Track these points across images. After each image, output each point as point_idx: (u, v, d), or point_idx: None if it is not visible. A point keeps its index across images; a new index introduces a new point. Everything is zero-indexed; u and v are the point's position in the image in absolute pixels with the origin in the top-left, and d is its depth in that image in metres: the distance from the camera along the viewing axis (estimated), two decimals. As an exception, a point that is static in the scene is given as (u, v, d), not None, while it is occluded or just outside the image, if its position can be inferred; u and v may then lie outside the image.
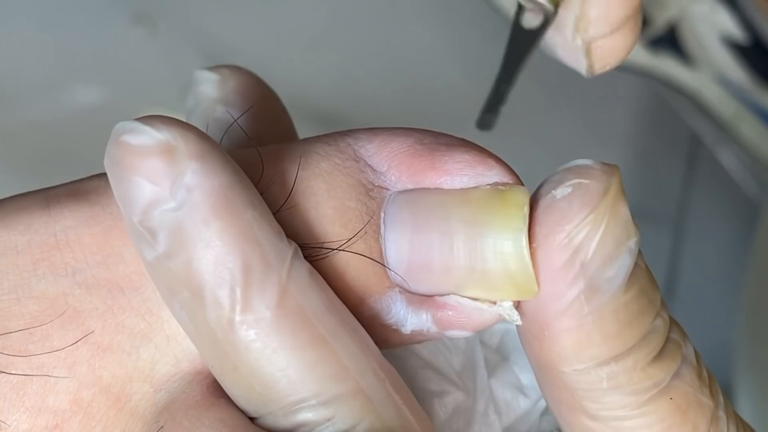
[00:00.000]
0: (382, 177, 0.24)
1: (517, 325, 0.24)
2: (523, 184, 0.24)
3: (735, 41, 0.61)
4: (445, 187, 0.24)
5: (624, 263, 0.23)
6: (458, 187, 0.24)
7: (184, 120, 0.22)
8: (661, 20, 0.62)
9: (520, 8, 0.21)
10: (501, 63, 0.22)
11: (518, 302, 0.24)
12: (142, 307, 0.23)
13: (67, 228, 0.23)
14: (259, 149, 0.25)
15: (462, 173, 0.24)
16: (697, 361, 0.25)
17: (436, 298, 0.24)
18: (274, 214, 0.23)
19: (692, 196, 0.68)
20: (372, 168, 0.24)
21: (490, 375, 0.28)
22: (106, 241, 0.23)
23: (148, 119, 0.21)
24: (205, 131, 0.29)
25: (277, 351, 0.21)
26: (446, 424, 0.27)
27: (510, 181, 0.24)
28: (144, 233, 0.21)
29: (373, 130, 0.25)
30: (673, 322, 0.25)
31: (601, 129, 0.70)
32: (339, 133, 0.25)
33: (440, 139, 0.25)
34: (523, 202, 0.23)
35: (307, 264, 0.22)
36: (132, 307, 0.23)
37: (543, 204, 0.23)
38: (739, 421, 0.25)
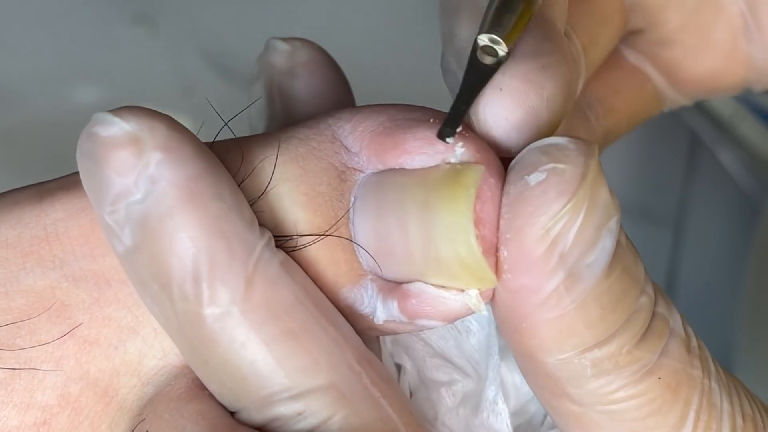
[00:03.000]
0: (355, 158, 0.24)
1: (495, 314, 0.23)
2: (497, 160, 0.23)
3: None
4: (407, 166, 0.23)
5: (605, 246, 0.22)
6: (418, 166, 0.23)
7: (178, 116, 0.22)
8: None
9: (476, 46, 0.22)
10: (458, 90, 0.22)
11: (492, 292, 0.23)
12: (129, 300, 0.23)
13: (57, 221, 0.23)
14: (245, 137, 0.24)
15: (421, 151, 0.23)
16: (685, 331, 0.24)
17: (403, 286, 0.23)
18: (253, 202, 0.23)
19: (692, 196, 0.67)
20: (346, 148, 0.24)
21: (500, 358, 0.27)
22: (93, 232, 0.23)
23: (119, 111, 0.21)
24: (265, 99, 0.29)
25: (245, 345, 0.21)
26: (454, 410, 0.27)
27: (473, 159, 0.23)
28: (112, 226, 0.21)
29: (356, 109, 0.24)
30: (658, 293, 0.24)
31: (601, 129, 0.70)
32: (324, 114, 0.25)
33: (413, 114, 0.24)
34: (471, 181, 0.22)
35: (281, 255, 0.22)
36: (119, 299, 0.23)
37: (515, 191, 0.22)
38: (733, 386, 0.24)
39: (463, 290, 0.23)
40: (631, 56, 0.33)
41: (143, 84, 0.66)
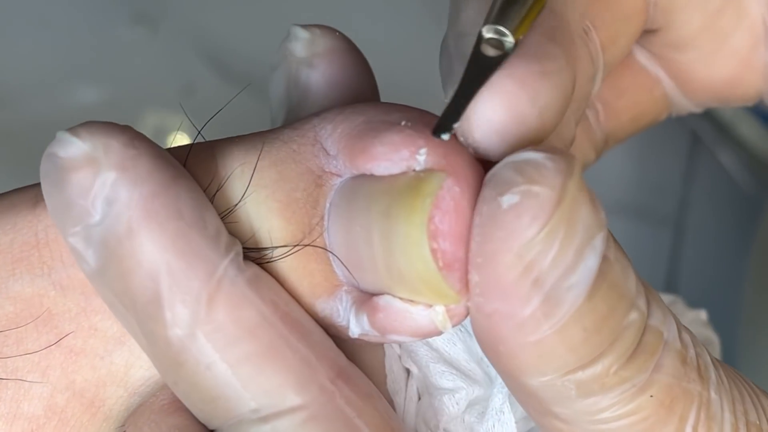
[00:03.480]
0: (333, 161, 0.22)
1: (474, 332, 0.22)
2: (468, 166, 0.21)
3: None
4: (375, 173, 0.21)
5: (588, 266, 0.20)
6: (384, 173, 0.21)
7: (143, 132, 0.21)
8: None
9: (480, 38, 0.21)
10: (459, 83, 0.21)
11: (464, 310, 0.21)
12: None
13: (48, 227, 0.22)
14: (230, 139, 0.23)
15: (385, 158, 0.21)
16: (681, 341, 0.22)
17: (373, 299, 0.22)
18: (224, 214, 0.22)
19: (692, 196, 0.67)
20: (326, 151, 0.23)
21: None
22: None
23: (77, 128, 0.21)
24: (283, 89, 0.27)
25: (210, 367, 0.21)
26: (458, 418, 0.26)
27: (437, 166, 0.21)
28: (77, 248, 0.21)
29: (340, 108, 0.23)
30: (652, 302, 0.22)
31: (601, 129, 0.70)
32: (312, 114, 0.24)
33: (390, 116, 0.22)
34: (429, 191, 0.20)
35: (250, 271, 0.21)
36: (105, 309, 0.22)
37: (487, 212, 0.20)
38: (737, 392, 0.23)
39: (430, 305, 0.21)
40: (642, 57, 0.31)
41: (143, 84, 0.66)
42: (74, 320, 0.22)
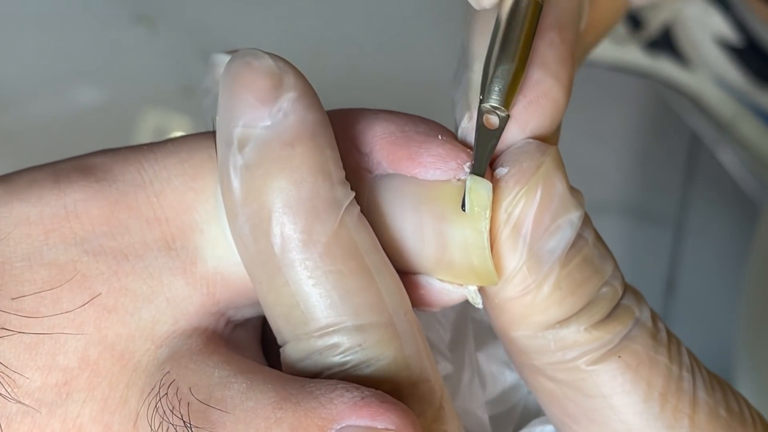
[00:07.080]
0: (365, 159, 0.26)
1: (481, 294, 0.26)
2: (491, 179, 0.25)
3: (729, 43, 0.61)
4: (420, 177, 0.25)
5: (564, 236, 0.25)
6: (431, 179, 0.25)
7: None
8: (655, 22, 0.62)
9: (481, 113, 0.25)
10: (474, 153, 0.25)
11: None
12: (145, 273, 0.25)
13: (76, 201, 0.25)
14: None
15: (435, 167, 0.25)
16: (655, 325, 0.26)
17: (410, 276, 0.26)
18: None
19: (692, 196, 0.68)
20: (357, 149, 0.26)
21: (479, 349, 0.30)
22: (112, 213, 0.25)
23: (266, 52, 0.24)
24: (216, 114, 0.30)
25: (327, 274, 0.23)
26: None
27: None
28: (235, 142, 0.24)
29: (362, 112, 0.26)
30: (628, 291, 0.26)
31: (601, 129, 0.70)
32: (328, 113, 0.26)
33: (419, 128, 0.26)
34: (486, 204, 0.24)
35: (359, 207, 0.24)
36: (135, 272, 0.24)
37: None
38: (718, 385, 0.26)
39: (462, 285, 0.25)
40: None
41: (143, 84, 0.66)
42: (107, 282, 0.24)
